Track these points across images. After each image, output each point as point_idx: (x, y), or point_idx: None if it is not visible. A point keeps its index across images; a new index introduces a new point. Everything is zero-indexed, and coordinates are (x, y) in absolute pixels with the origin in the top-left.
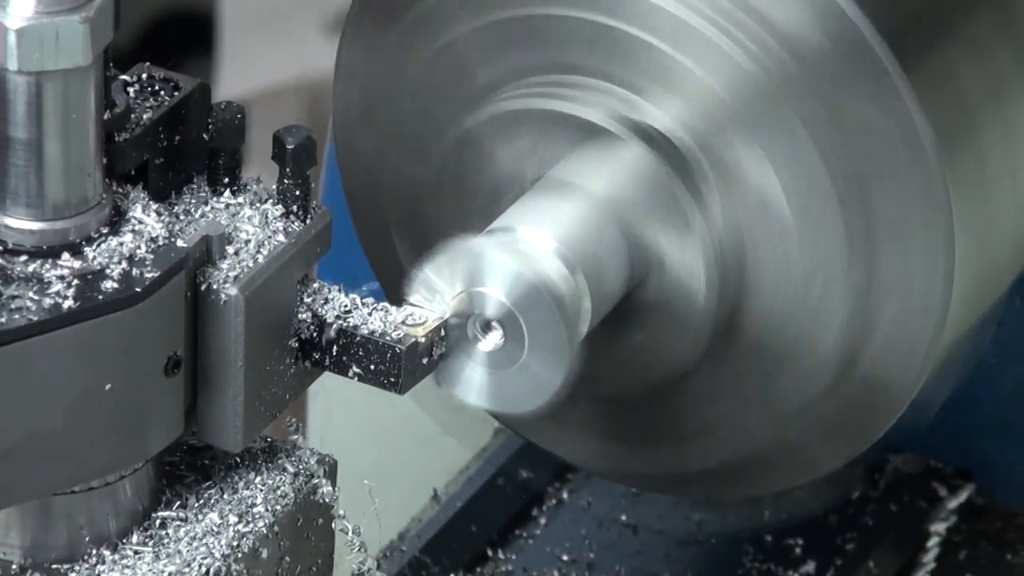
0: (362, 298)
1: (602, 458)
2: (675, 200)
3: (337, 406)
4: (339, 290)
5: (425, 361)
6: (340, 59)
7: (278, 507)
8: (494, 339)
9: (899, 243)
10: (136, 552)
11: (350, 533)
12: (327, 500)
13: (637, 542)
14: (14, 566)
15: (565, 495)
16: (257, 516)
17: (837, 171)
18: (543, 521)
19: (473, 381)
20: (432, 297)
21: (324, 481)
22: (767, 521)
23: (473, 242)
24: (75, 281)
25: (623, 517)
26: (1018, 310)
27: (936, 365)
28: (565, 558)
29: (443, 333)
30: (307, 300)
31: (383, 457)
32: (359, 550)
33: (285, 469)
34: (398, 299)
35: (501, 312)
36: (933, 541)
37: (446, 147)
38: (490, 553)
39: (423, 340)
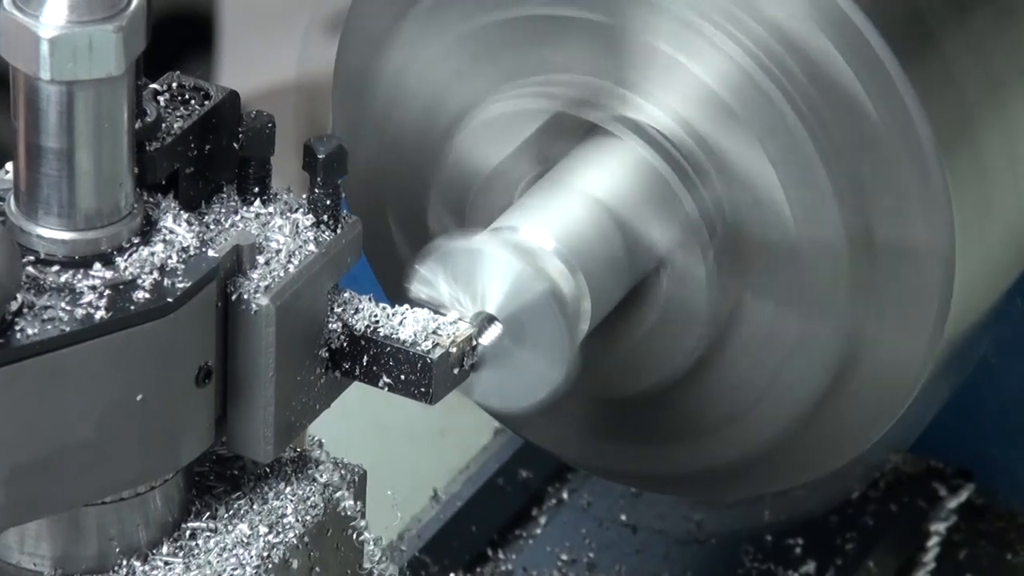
0: (393, 307)
1: (601, 458)
2: (675, 199)
3: (336, 406)
4: (370, 299)
5: (456, 371)
6: (340, 59)
7: (308, 517)
8: (494, 335)
9: (899, 242)
10: (166, 563)
11: (372, 544)
12: (349, 513)
13: (637, 542)
14: None
15: (565, 495)
16: (287, 527)
17: (836, 170)
18: (543, 521)
19: (474, 376)
20: (433, 295)
21: (347, 494)
22: (767, 521)
23: (474, 241)
24: (107, 291)
25: (623, 517)
26: (1019, 310)
27: (936, 365)
28: (565, 558)
29: (474, 343)
30: (337, 310)
31: (383, 457)
32: (380, 560)
33: (315, 479)
34: (398, 298)
35: (501, 311)
36: (933, 541)
37: (446, 146)
38: (490, 553)
39: (454, 350)
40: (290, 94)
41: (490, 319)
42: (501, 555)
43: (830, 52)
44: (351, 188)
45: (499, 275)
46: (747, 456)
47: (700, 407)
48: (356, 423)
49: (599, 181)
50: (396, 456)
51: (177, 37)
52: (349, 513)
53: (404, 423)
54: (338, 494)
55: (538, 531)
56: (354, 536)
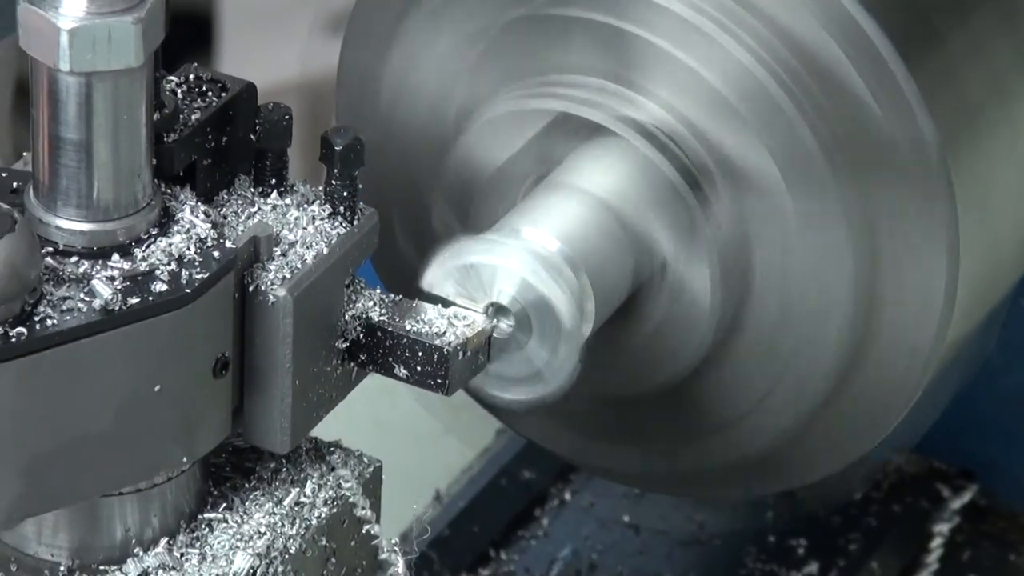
0: (409, 299)
1: (604, 458)
2: (679, 200)
3: (339, 406)
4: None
5: (473, 362)
6: (343, 58)
7: (324, 509)
8: (504, 329)
9: (903, 243)
10: (183, 554)
11: (384, 547)
12: (359, 506)
13: (639, 542)
14: (62, 567)
15: (568, 495)
16: (304, 517)
17: (841, 171)
18: (545, 521)
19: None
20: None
21: (357, 487)
22: (770, 521)
23: (477, 242)
24: (125, 282)
25: (626, 517)
26: (1022, 310)
27: (940, 366)
28: (567, 558)
29: (490, 335)
30: (354, 301)
31: (385, 457)
32: (391, 555)
33: (332, 470)
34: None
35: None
36: (936, 542)
37: (450, 146)
38: (492, 553)
39: (471, 342)
40: (292, 94)
41: (501, 311)
42: (503, 555)
43: (834, 51)
44: None
45: (503, 276)
46: (750, 457)
47: (703, 408)
48: (358, 423)
49: (603, 182)
50: (399, 456)
51: (176, 37)
52: (359, 506)
53: (407, 423)
54: (348, 485)
55: (540, 532)
56: (364, 528)
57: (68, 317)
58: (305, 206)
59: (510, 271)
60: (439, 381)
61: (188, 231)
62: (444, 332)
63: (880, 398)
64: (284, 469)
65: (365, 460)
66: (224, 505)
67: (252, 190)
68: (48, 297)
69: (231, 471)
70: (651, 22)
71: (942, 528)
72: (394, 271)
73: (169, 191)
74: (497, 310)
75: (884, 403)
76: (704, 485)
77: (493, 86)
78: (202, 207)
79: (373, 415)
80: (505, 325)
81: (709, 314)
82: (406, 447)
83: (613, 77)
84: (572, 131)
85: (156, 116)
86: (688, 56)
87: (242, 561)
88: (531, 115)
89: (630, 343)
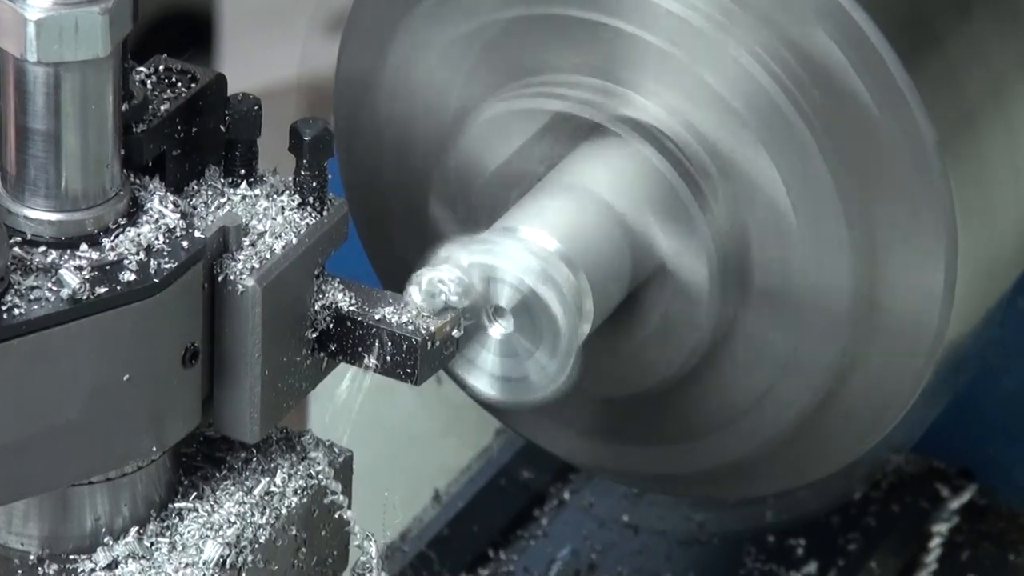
0: (379, 289)
1: (604, 458)
2: (678, 200)
3: (338, 406)
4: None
5: (442, 352)
6: (341, 58)
7: (294, 498)
8: (500, 331)
9: (902, 243)
10: (153, 543)
11: (358, 535)
12: (332, 492)
13: (639, 542)
14: (32, 556)
15: (567, 495)
16: (273, 507)
17: (839, 170)
18: (544, 522)
19: (482, 365)
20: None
21: (329, 471)
22: (769, 521)
23: (474, 242)
24: (93, 272)
25: (625, 517)
26: (1020, 310)
27: (939, 365)
28: (566, 558)
29: (460, 324)
30: (324, 291)
31: (384, 457)
32: (364, 542)
33: (301, 460)
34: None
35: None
36: (935, 542)
37: (448, 146)
38: (491, 554)
39: (440, 331)
40: (291, 94)
41: (498, 312)
42: (503, 556)
43: (833, 51)
44: (352, 187)
45: (501, 277)
46: (749, 457)
47: (701, 408)
48: (357, 423)
49: (601, 181)
50: (397, 456)
51: (176, 37)
52: (332, 491)
53: (405, 423)
54: (319, 469)
55: (540, 532)
56: (336, 516)
57: (36, 307)
58: (274, 196)
59: (507, 271)
60: (408, 371)
61: (157, 221)
62: (413, 322)
63: (880, 398)
64: (254, 459)
65: (336, 449)
66: (195, 494)
67: (222, 180)
68: (16, 287)
69: (202, 461)
70: (650, 22)
71: (941, 528)
72: (391, 269)
73: (138, 181)
74: (494, 311)
75: (884, 403)
76: (703, 485)
77: (491, 86)
78: (171, 197)
79: (372, 415)
80: (503, 326)
81: (707, 313)
82: (405, 447)
83: (611, 77)
84: (570, 131)
85: (125, 106)
86: (687, 56)
87: (212, 550)
88: (529, 115)
89: (628, 343)
